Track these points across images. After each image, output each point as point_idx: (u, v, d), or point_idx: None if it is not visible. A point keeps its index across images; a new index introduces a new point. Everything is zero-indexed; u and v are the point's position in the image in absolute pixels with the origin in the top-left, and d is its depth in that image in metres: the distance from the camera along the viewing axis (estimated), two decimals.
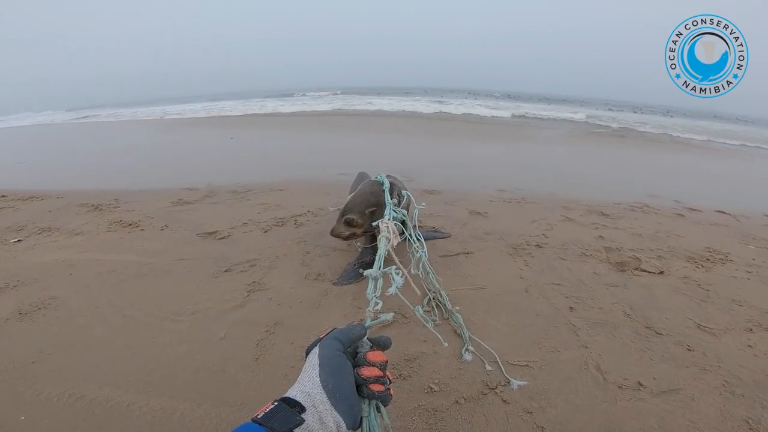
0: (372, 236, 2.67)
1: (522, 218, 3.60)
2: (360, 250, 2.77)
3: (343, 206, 2.61)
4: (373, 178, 2.72)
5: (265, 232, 3.13)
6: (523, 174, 5.65)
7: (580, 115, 17.17)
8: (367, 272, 1.22)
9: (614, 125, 13.82)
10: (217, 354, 1.85)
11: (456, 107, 17.55)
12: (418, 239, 2.24)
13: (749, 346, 2.01)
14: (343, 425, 0.71)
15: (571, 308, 2.27)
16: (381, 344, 0.89)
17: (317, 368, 0.75)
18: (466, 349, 1.89)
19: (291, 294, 2.32)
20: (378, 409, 0.81)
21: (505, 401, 1.62)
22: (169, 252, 2.83)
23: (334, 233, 2.55)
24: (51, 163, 6.69)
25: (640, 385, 1.72)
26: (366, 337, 0.90)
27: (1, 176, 5.43)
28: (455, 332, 2.03)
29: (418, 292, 1.55)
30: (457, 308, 2.16)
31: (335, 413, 0.70)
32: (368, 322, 0.98)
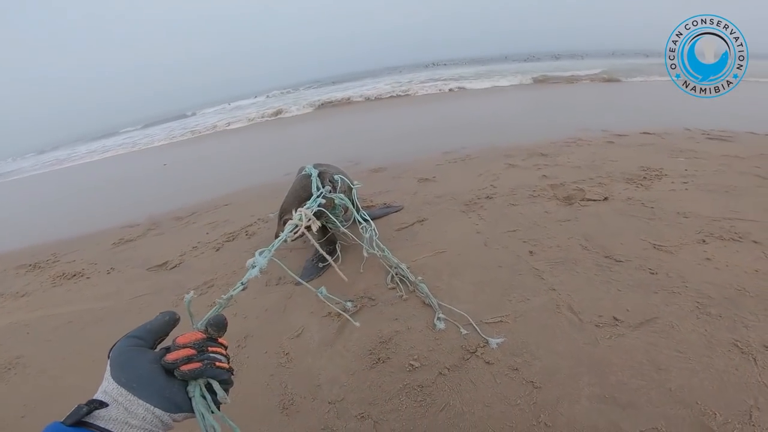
0: (321, 228, 2.56)
1: (469, 175, 3.59)
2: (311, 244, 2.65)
3: (278, 209, 2.50)
4: (301, 173, 2.59)
5: (217, 250, 2.96)
6: (464, 132, 5.65)
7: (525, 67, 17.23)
8: (248, 262, 1.06)
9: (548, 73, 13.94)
10: None
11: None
12: (365, 219, 2.18)
13: (707, 259, 2.03)
14: (158, 410, 0.67)
15: (531, 252, 2.26)
16: (212, 324, 0.77)
17: (108, 368, 0.69)
18: (438, 318, 1.84)
19: (255, 304, 2.21)
20: (210, 389, 0.73)
21: (488, 362, 1.59)
22: (121, 293, 2.64)
23: (288, 216, 2.42)
24: None
25: (616, 320, 1.71)
26: (203, 323, 0.77)
27: None
28: (424, 303, 1.97)
29: (345, 278, 1.48)
30: (421, 278, 2.10)
31: (140, 401, 0.66)
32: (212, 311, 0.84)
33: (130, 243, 3.56)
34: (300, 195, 2.37)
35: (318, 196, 2.06)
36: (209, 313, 0.79)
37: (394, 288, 2.12)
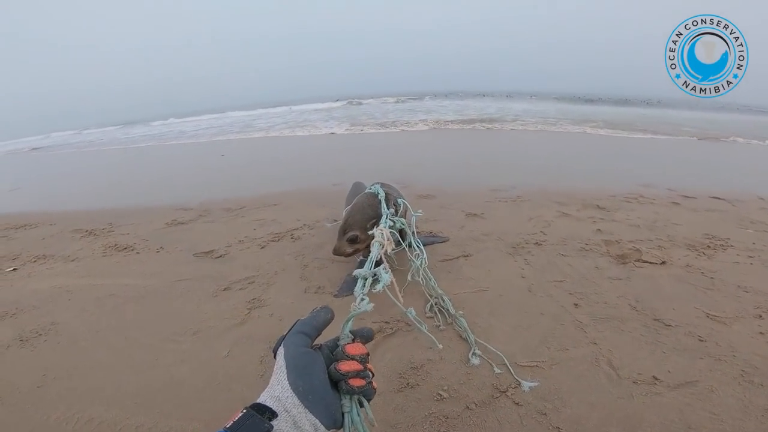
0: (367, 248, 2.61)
1: (518, 217, 3.55)
2: (359, 260, 2.71)
3: (342, 222, 2.53)
4: (367, 190, 2.66)
5: (262, 248, 3.06)
6: (514, 170, 5.61)
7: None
8: (356, 272, 1.20)
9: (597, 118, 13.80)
10: (222, 372, 1.80)
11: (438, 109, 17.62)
12: (418, 246, 2.20)
13: (761, 333, 1.95)
14: (321, 427, 0.66)
15: (575, 305, 2.21)
16: (363, 336, 0.82)
17: (284, 370, 0.69)
18: (473, 353, 1.83)
19: (292, 308, 2.26)
20: (360, 404, 0.76)
21: (517, 404, 1.56)
22: (166, 273, 2.76)
23: (337, 252, 2.46)
24: (45, 187, 6.64)
25: (656, 379, 1.66)
26: (348, 330, 0.82)
27: None
28: (460, 336, 1.97)
29: (401, 300, 1.48)
30: (461, 312, 2.09)
31: (310, 416, 0.65)
32: (349, 315, 0.89)
33: (182, 225, 3.75)
34: (368, 213, 2.44)
35: (386, 217, 2.14)
36: (346, 323, 0.83)
37: (431, 317, 2.13)
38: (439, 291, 2.16)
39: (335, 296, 2.38)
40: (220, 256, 2.96)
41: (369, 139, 9.89)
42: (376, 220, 2.40)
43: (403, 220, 2.32)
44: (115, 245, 3.28)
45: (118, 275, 2.78)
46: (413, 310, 1.43)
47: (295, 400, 0.65)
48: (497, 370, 1.73)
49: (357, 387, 0.72)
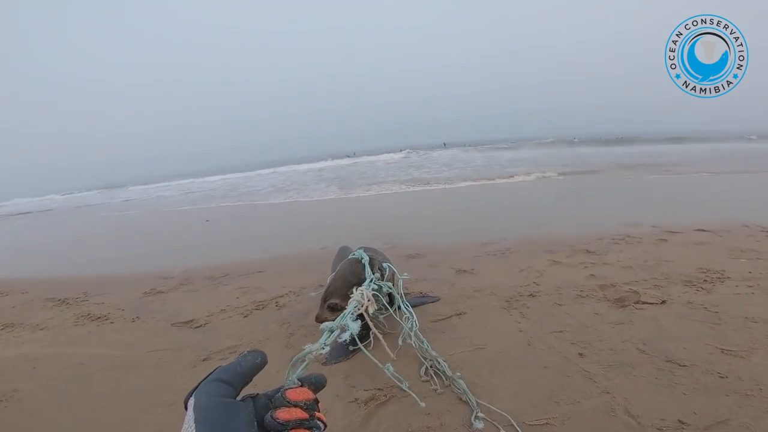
0: (359, 315, 2.48)
1: (510, 269, 3.46)
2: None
3: (324, 290, 2.43)
4: (350, 256, 2.56)
5: (245, 316, 2.90)
6: (501, 221, 5.62)
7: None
8: (323, 325, 1.14)
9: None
10: None
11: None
12: (407, 309, 2.12)
13: None
14: None
15: (580, 354, 2.08)
16: (312, 383, 0.66)
17: (192, 426, 0.51)
18: (476, 416, 1.66)
19: (277, 379, 2.05)
20: None
21: None
22: (141, 344, 2.59)
23: (319, 320, 2.33)
24: (24, 253, 6.51)
25: (682, 423, 1.53)
26: (295, 376, 0.68)
27: None
28: (460, 399, 1.80)
29: (391, 355, 1.37)
30: (458, 374, 1.95)
31: None
32: (296, 356, 0.81)
33: (161, 295, 3.59)
34: (349, 281, 2.33)
35: (370, 281, 2.06)
36: (293, 368, 0.75)
37: (427, 381, 1.96)
38: (433, 353, 2.03)
39: (324, 365, 2.22)
40: (201, 325, 2.79)
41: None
42: (358, 287, 2.24)
43: (389, 284, 2.24)
44: (88, 315, 3.11)
45: (88, 344, 2.61)
46: (391, 366, 1.28)
47: None
48: None
49: None
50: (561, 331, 2.32)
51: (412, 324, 2.00)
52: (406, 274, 2.47)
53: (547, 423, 1.60)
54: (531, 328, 2.40)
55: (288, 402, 0.58)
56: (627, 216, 5.14)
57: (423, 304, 2.88)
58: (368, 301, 1.57)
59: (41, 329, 2.93)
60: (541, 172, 11.62)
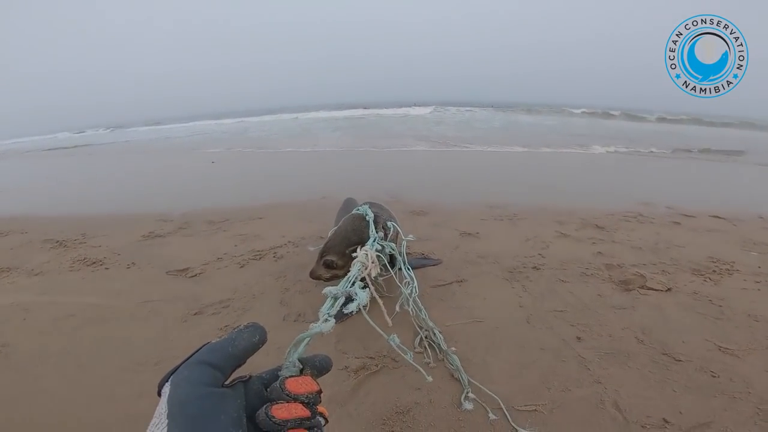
0: (362, 279, 2.38)
1: (516, 237, 3.40)
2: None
3: (323, 245, 2.36)
4: (355, 210, 2.44)
5: (242, 267, 2.88)
6: (514, 187, 5.48)
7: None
8: (326, 290, 0.99)
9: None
10: None
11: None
12: (408, 273, 2.03)
13: None
14: None
15: (578, 338, 2.06)
16: (316, 366, 0.58)
17: (164, 421, 0.41)
18: (466, 396, 1.66)
19: (269, 340, 2.06)
20: None
21: None
22: (134, 293, 2.58)
23: (313, 275, 2.29)
24: (28, 190, 6.45)
25: (666, 422, 1.53)
26: (296, 357, 0.59)
27: None
28: (452, 376, 1.79)
29: (389, 321, 1.40)
30: (453, 349, 1.94)
31: None
32: (300, 336, 0.65)
33: (159, 239, 3.57)
34: (350, 238, 2.25)
35: (374, 241, 1.94)
36: (294, 347, 0.61)
37: (421, 352, 1.95)
38: (430, 324, 2.00)
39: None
40: (195, 275, 2.78)
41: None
42: (358, 246, 2.11)
43: (392, 245, 2.15)
44: (84, 259, 3.09)
45: (81, 293, 2.60)
46: (396, 337, 1.23)
47: None
48: (492, 416, 1.56)
49: None
50: (562, 311, 2.29)
51: (412, 290, 1.93)
52: (411, 236, 2.41)
53: (535, 409, 1.59)
54: (532, 304, 2.37)
55: (287, 395, 0.49)
56: (642, 194, 4.99)
57: (423, 266, 2.84)
58: (372, 263, 1.48)
59: (36, 274, 2.92)
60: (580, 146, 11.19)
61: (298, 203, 4.60)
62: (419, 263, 2.85)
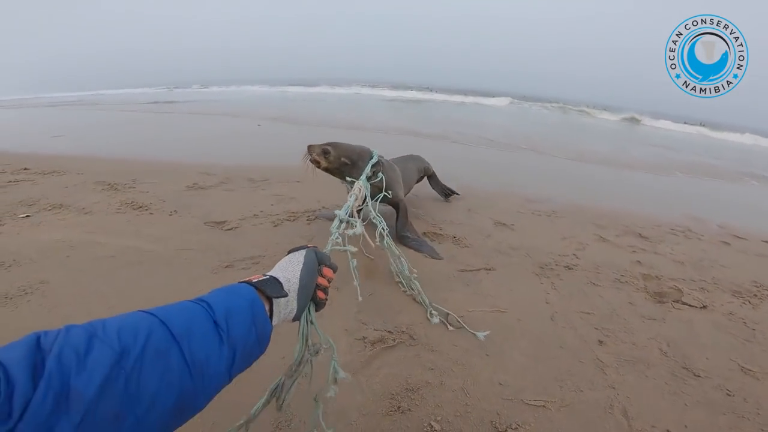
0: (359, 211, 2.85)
1: (552, 234, 3.37)
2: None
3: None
4: (374, 153, 2.83)
5: (276, 226, 3.01)
6: (552, 182, 5.36)
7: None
8: (337, 212, 1.67)
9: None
10: None
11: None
12: (378, 217, 2.29)
13: None
14: (293, 313, 0.93)
15: (600, 341, 2.06)
16: (332, 266, 1.10)
17: (300, 265, 0.98)
18: (431, 313, 2.11)
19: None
20: (309, 311, 1.07)
21: None
22: (172, 239, 2.74)
23: (310, 147, 2.69)
24: (87, 137, 6.73)
25: None
26: (329, 251, 1.40)
27: (36, 148, 5.59)
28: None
29: (371, 243, 1.95)
30: (415, 275, 2.22)
31: (295, 303, 0.93)
32: (329, 247, 1.46)
33: (202, 191, 3.76)
34: (352, 152, 2.75)
35: (364, 173, 2.57)
36: (329, 246, 1.48)
37: (399, 282, 2.36)
38: (396, 252, 2.25)
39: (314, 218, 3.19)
40: (231, 228, 2.92)
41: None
42: (351, 164, 2.72)
43: (367, 183, 2.50)
44: (132, 202, 3.30)
45: (124, 235, 2.78)
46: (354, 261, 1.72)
47: (297, 286, 0.94)
48: (451, 328, 2.02)
49: (320, 298, 1.04)
50: (588, 313, 2.29)
51: (382, 227, 2.17)
52: (389, 192, 2.72)
53: (543, 405, 1.63)
54: (558, 302, 2.38)
55: (325, 277, 1.07)
56: (695, 209, 4.75)
57: (419, 251, 2.88)
58: (360, 192, 2.06)
59: (86, 213, 3.12)
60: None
61: None
62: (416, 245, 2.92)
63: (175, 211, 3.18)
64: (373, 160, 2.74)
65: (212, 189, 3.79)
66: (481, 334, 1.96)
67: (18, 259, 2.42)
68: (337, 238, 1.54)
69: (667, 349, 2.04)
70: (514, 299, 2.35)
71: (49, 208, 3.19)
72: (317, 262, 1.04)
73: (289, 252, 1.05)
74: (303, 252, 1.03)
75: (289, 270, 0.95)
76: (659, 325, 2.25)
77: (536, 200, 4.30)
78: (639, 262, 2.98)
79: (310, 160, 2.70)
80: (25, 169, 4.26)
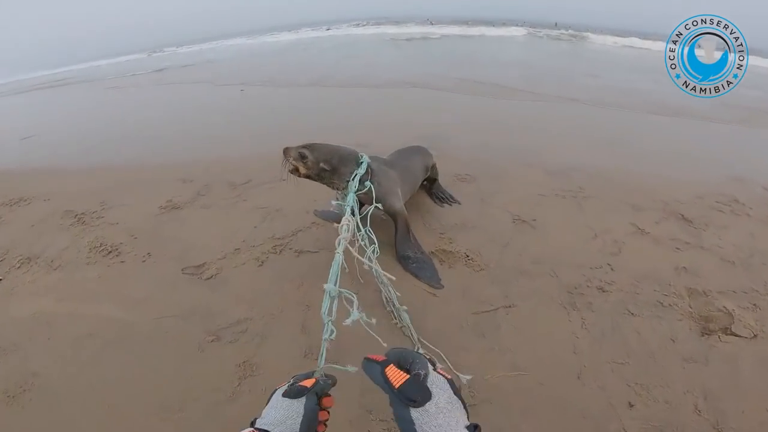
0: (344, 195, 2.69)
1: (580, 230, 3.18)
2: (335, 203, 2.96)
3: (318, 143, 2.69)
4: (359, 156, 2.75)
5: (260, 265, 2.90)
6: (574, 141, 4.98)
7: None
8: (325, 287, 1.43)
9: None
10: None
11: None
12: (370, 237, 2.26)
13: None
14: None
15: (630, 404, 1.99)
16: (332, 382, 1.17)
17: (300, 417, 0.98)
18: (418, 350, 1.91)
19: (286, 374, 2.09)
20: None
21: None
22: (150, 301, 2.69)
23: (285, 150, 2.63)
24: (55, 135, 6.49)
25: None
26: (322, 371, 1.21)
27: (4, 158, 5.56)
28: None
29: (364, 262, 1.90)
30: (405, 308, 2.17)
31: None
32: (321, 362, 1.27)
33: (176, 212, 3.65)
34: (333, 156, 2.64)
35: (353, 183, 2.55)
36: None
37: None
38: (385, 280, 2.15)
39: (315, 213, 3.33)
40: (211, 276, 2.83)
41: None
42: (331, 169, 2.62)
43: (353, 195, 2.46)
44: (101, 246, 3.23)
45: (98, 300, 2.75)
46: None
47: None
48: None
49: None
50: (622, 363, 2.20)
51: (373, 250, 2.14)
52: (379, 205, 2.64)
53: None
54: (588, 348, 2.27)
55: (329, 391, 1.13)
56: (736, 166, 4.37)
57: (417, 276, 2.75)
58: (348, 232, 1.83)
59: (55, 268, 3.09)
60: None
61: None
62: (416, 269, 2.79)
63: (148, 254, 3.10)
64: (361, 170, 2.63)
65: (188, 208, 3.68)
66: (464, 378, 1.91)
67: (2, 345, 2.50)
68: (332, 332, 1.32)
69: (703, 406, 1.98)
70: (536, 352, 2.26)
71: (18, 265, 3.17)
72: (318, 403, 1.05)
73: (284, 395, 1.02)
74: (302, 402, 1.01)
75: (287, 424, 0.96)
76: (700, 370, 2.16)
77: (557, 171, 4.06)
78: (684, 268, 2.80)
79: (288, 170, 2.66)
80: None
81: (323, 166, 2.60)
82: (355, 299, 1.35)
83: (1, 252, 3.34)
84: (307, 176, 2.66)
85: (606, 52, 11.11)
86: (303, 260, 2.94)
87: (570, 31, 13.01)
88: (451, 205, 3.54)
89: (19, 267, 3.15)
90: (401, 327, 2.28)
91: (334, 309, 1.36)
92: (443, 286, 2.69)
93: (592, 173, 4.04)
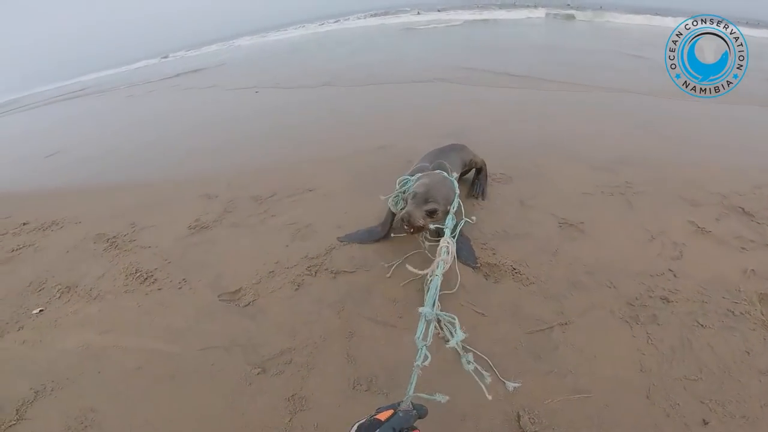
0: (436, 232, 2.78)
1: (635, 232, 3.09)
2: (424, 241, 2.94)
3: (414, 189, 2.68)
4: (435, 169, 2.84)
5: (296, 289, 2.90)
6: (615, 128, 4.90)
7: None
8: (421, 310, 1.56)
9: None
10: None
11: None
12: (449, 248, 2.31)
13: None
14: None
15: (705, 422, 1.94)
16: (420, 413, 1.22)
17: None
18: (468, 361, 1.91)
19: (339, 416, 2.13)
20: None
21: None
22: (191, 333, 2.73)
23: (409, 220, 2.56)
24: (81, 149, 6.71)
25: None
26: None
27: (31, 181, 5.78)
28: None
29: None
30: (470, 357, 1.98)
31: None
32: (410, 390, 1.37)
33: (205, 232, 3.71)
34: (450, 196, 2.70)
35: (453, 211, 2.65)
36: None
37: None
38: (444, 317, 2.02)
39: (339, 239, 3.23)
40: (249, 303, 2.86)
41: None
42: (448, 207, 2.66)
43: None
44: (136, 272, 3.30)
45: (141, 331, 2.81)
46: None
47: None
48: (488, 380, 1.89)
49: None
50: (695, 380, 2.14)
51: (440, 264, 2.15)
52: (473, 217, 2.74)
53: None
54: (657, 366, 2.21)
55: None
56: None
57: (457, 256, 2.69)
58: (450, 255, 1.97)
59: (94, 298, 3.16)
60: None
61: (348, 159, 4.60)
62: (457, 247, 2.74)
63: (183, 280, 3.16)
64: (455, 182, 2.86)
65: (216, 227, 3.73)
66: (511, 385, 2.03)
67: (56, 379, 2.55)
68: (426, 358, 1.49)
69: None
70: (599, 372, 2.21)
71: (59, 295, 3.26)
72: None
73: (358, 428, 1.12)
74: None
75: None
76: None
77: (602, 165, 3.97)
78: (753, 271, 2.70)
79: (410, 231, 2.65)
80: (25, 224, 4.37)
81: (449, 208, 2.64)
82: (456, 321, 1.35)
83: (39, 281, 3.43)
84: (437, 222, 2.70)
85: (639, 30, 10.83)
86: (340, 282, 2.93)
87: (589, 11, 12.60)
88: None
89: (59, 297, 3.23)
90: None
91: (430, 333, 1.45)
92: (479, 265, 2.79)
93: (640, 165, 3.93)
